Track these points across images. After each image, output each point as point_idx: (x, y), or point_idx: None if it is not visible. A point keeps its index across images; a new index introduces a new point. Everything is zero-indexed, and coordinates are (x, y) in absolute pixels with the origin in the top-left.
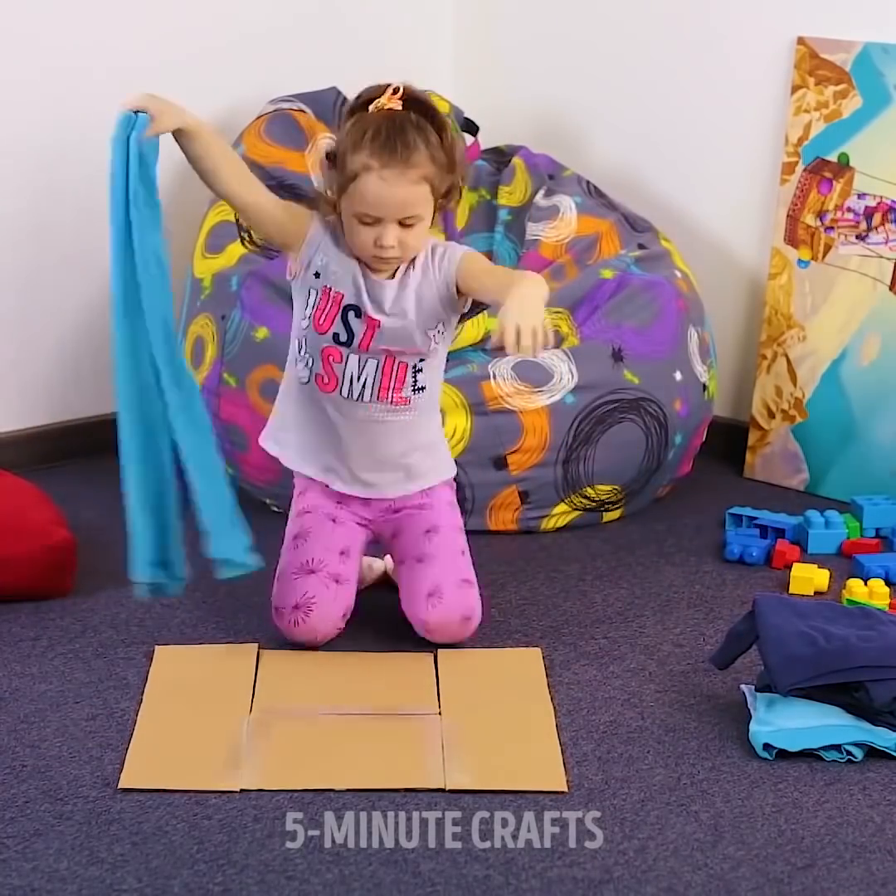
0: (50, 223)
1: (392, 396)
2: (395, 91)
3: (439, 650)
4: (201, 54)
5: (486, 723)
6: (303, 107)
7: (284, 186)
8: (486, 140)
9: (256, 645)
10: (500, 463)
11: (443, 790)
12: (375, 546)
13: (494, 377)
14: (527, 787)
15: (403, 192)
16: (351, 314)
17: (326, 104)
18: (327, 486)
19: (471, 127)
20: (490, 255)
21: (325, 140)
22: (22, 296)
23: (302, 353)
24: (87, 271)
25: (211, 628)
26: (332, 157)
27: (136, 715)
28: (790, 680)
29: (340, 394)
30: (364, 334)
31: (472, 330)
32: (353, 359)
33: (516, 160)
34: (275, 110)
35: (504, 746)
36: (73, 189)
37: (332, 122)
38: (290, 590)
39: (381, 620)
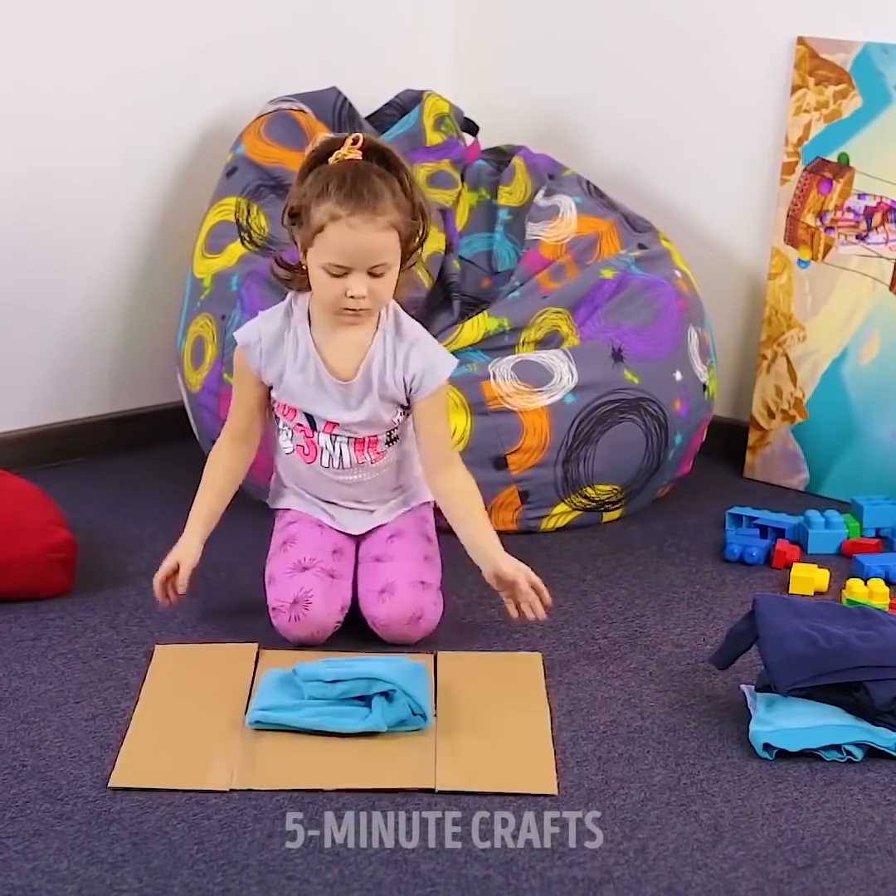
0: (50, 224)
1: (369, 456)
2: (355, 141)
3: (439, 652)
4: (201, 54)
5: (481, 725)
6: (303, 107)
7: (284, 186)
8: (486, 140)
9: (256, 645)
10: (500, 463)
11: (432, 791)
12: None
13: (494, 377)
14: (517, 789)
15: (372, 238)
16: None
17: (326, 104)
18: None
19: (471, 127)
20: (490, 255)
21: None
22: (22, 296)
23: (281, 424)
24: (87, 271)
25: (211, 628)
26: (294, 214)
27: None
28: (790, 680)
29: (321, 464)
30: (325, 424)
31: (472, 330)
32: (324, 436)
33: (516, 160)
34: (275, 110)
35: (496, 749)
36: (73, 190)
37: (332, 122)
38: (287, 586)
39: None
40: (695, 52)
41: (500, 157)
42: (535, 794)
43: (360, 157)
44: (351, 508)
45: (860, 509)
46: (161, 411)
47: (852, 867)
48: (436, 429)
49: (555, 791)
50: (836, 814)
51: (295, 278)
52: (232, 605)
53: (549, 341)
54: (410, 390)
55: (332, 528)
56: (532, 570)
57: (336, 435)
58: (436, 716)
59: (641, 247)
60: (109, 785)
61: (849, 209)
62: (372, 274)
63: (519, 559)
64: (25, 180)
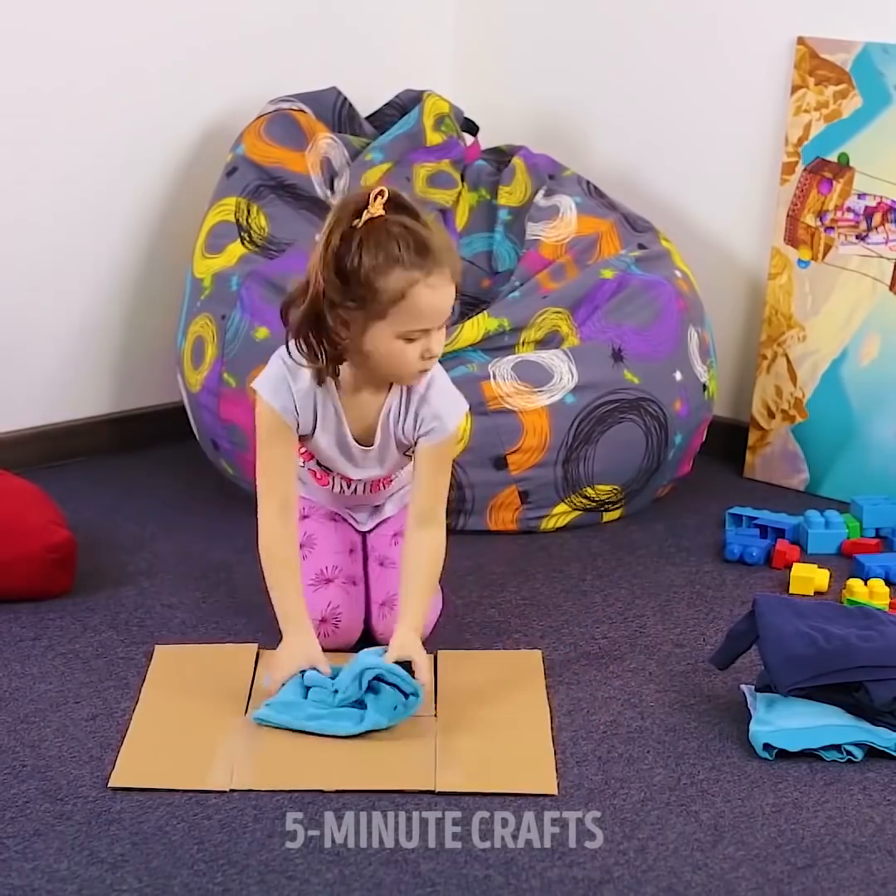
0: (49, 224)
1: (382, 486)
2: (377, 195)
3: (440, 651)
4: (201, 54)
5: (481, 725)
6: (303, 107)
7: (284, 186)
8: (486, 140)
9: (256, 645)
10: (500, 463)
11: (432, 792)
12: None
13: (494, 377)
14: (517, 789)
15: (448, 294)
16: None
17: (326, 104)
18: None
19: (471, 127)
20: (490, 255)
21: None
22: (22, 296)
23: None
24: (87, 272)
25: (211, 628)
26: (349, 299)
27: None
28: (791, 680)
29: (333, 491)
30: (344, 479)
31: (472, 330)
32: (339, 480)
33: (516, 160)
34: (275, 110)
35: (497, 748)
36: (73, 190)
37: (332, 122)
38: (315, 602)
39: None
40: (695, 52)
41: (500, 157)
42: (535, 794)
43: (387, 212)
44: (362, 510)
45: (860, 509)
46: (161, 411)
47: (852, 867)
48: (433, 478)
49: (555, 791)
50: (836, 814)
51: (327, 358)
52: (232, 605)
53: (549, 341)
54: (418, 438)
55: (342, 519)
56: (532, 570)
57: (353, 480)
58: (436, 715)
59: (641, 247)
60: (109, 785)
61: (849, 209)
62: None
63: (519, 559)
64: (25, 180)
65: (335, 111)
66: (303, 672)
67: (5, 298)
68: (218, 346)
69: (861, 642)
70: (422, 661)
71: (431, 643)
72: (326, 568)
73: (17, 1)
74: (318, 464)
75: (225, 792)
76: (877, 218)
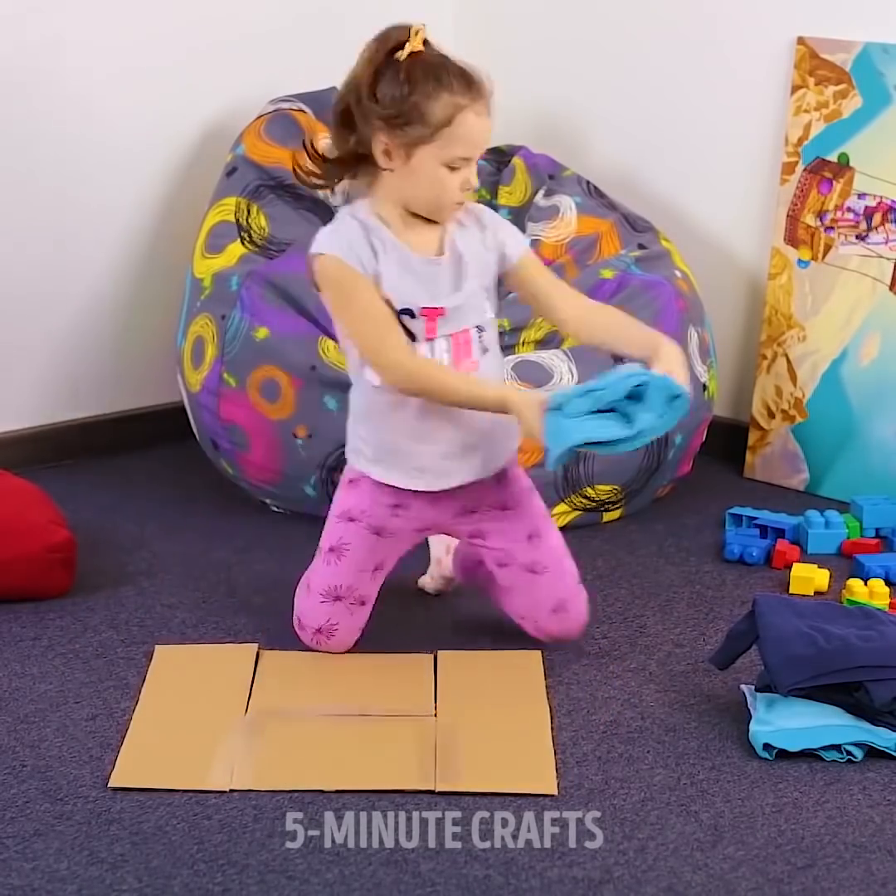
0: (49, 223)
1: (464, 366)
2: (417, 31)
3: (439, 652)
4: (202, 54)
5: (481, 725)
6: (303, 107)
7: (284, 186)
8: None
9: (256, 645)
10: None
11: (432, 792)
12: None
13: None
14: (517, 790)
15: (488, 126)
16: (405, 317)
17: (326, 104)
18: (395, 488)
19: None
20: None
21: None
22: (21, 296)
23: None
24: (87, 271)
25: (211, 628)
26: (393, 115)
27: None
28: (791, 680)
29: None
30: (426, 328)
31: None
32: (423, 347)
33: (516, 160)
34: (275, 110)
35: (497, 749)
36: (73, 190)
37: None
38: (316, 613)
39: (384, 621)
40: (695, 52)
41: (500, 157)
42: (534, 794)
43: (426, 46)
44: (444, 459)
45: (860, 509)
46: (161, 411)
47: (852, 867)
48: (545, 274)
49: (555, 791)
50: (835, 814)
51: (333, 173)
52: (232, 606)
53: (549, 341)
54: (502, 256)
55: (398, 523)
56: None
57: (434, 340)
58: (436, 715)
59: (641, 247)
60: (109, 785)
61: (849, 209)
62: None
63: None
64: (25, 180)
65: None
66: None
67: (5, 298)
68: (218, 346)
69: (861, 642)
70: (682, 372)
71: (432, 642)
72: (340, 586)
73: (17, 1)
74: (403, 328)
75: (225, 792)
76: (877, 218)
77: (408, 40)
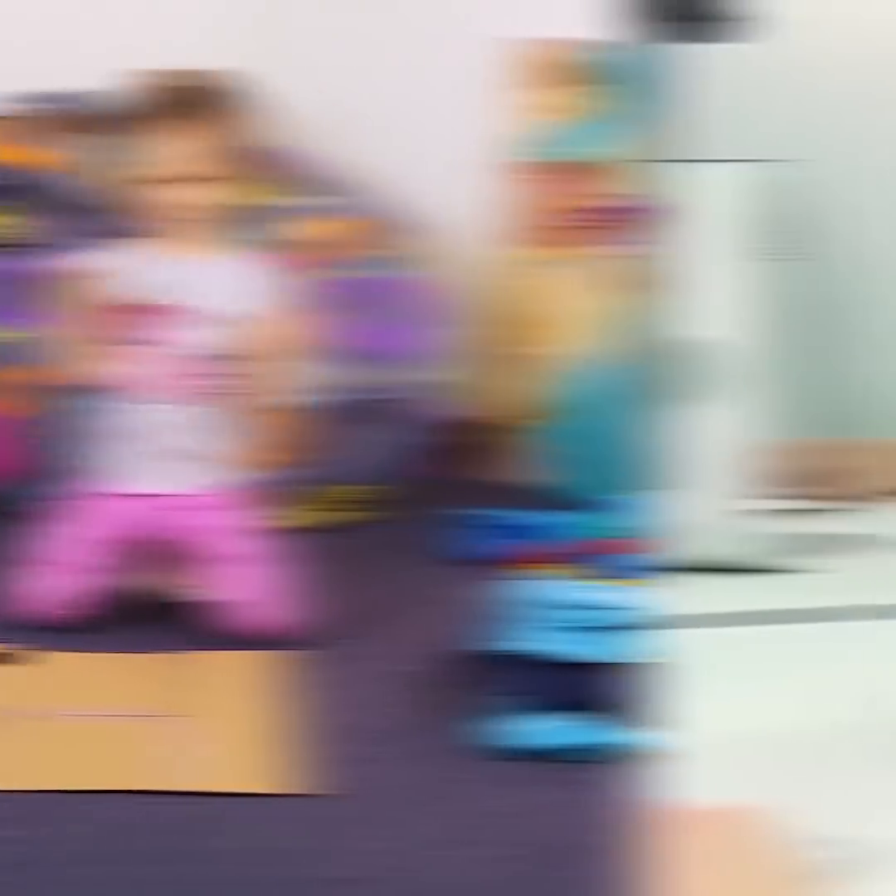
0: None
1: None
2: None
3: (174, 653)
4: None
5: (217, 725)
6: None
7: None
8: None
9: None
10: None
11: (170, 792)
12: None
13: None
14: (252, 789)
15: None
16: None
17: None
18: None
19: None
20: None
21: None
22: None
23: None
24: None
25: None
26: None
27: None
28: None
29: None
30: None
31: None
32: None
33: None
34: None
35: (230, 749)
36: None
37: None
38: None
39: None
40: (412, 44)
41: None
42: (274, 793)
43: None
44: None
45: (607, 508)
46: None
47: (584, 866)
48: None
49: (294, 790)
50: (573, 814)
51: None
52: None
53: None
54: None
55: None
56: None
57: None
58: (169, 716)
59: (390, 247)
60: None
61: (590, 209)
62: None
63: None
64: None
65: None
66: None
67: None
68: None
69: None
70: None
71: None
72: None
73: (17, 1)
74: None
75: None
76: (617, 219)
77: None
